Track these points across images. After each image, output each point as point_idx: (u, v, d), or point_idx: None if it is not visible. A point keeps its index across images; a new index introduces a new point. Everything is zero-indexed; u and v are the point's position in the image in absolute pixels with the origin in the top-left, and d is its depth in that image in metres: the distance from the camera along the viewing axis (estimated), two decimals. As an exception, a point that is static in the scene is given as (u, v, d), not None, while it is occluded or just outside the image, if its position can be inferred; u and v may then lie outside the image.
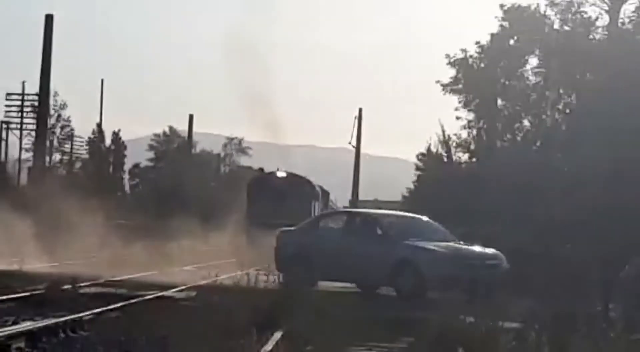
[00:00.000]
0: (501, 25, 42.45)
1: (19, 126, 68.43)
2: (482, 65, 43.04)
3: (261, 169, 66.30)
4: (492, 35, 42.64)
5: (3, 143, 67.60)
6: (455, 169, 44.82)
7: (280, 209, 47.16)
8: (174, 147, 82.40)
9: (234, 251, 42.32)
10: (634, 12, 39.86)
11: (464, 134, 44.35)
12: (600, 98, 35.68)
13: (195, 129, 76.30)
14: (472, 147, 44.53)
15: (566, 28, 40.95)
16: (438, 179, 45.30)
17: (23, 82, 68.01)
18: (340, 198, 77.76)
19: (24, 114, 67.88)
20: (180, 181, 58.66)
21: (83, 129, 72.67)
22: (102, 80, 70.19)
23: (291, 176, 54.30)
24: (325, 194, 62.99)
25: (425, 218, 28.53)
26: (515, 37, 42.52)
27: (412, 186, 54.57)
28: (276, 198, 49.98)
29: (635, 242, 24.90)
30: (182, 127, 79.90)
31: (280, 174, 55.00)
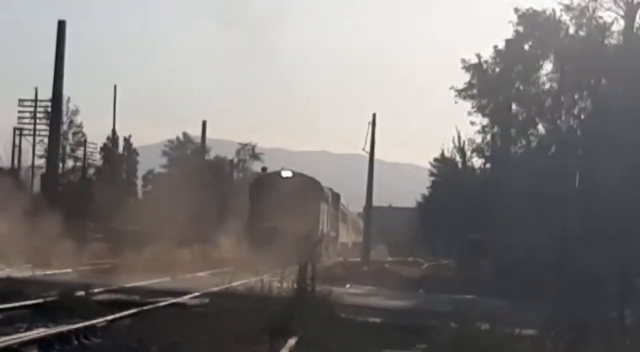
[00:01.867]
0: (516, 30, 42.43)
1: (31, 132, 68.56)
2: (497, 70, 43.05)
3: (264, 169, 64.42)
4: (507, 40, 42.66)
5: (16, 149, 67.71)
6: (469, 175, 44.83)
7: (285, 211, 46.09)
8: (187, 153, 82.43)
9: (237, 257, 42.20)
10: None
11: (479, 139, 44.34)
12: (616, 103, 35.64)
13: (208, 135, 76.70)
14: (487, 152, 44.52)
15: (581, 33, 40.89)
16: (453, 184, 45.33)
17: (36, 88, 68.31)
18: (354, 204, 77.81)
19: (37, 120, 68.06)
20: (194, 187, 58.68)
21: (95, 135, 72.80)
22: (115, 87, 70.00)
23: (297, 176, 52.51)
24: (336, 196, 62.06)
25: None
26: (530, 42, 42.48)
27: (426, 192, 54.55)
28: (280, 199, 48.20)
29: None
30: (195, 133, 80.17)
31: (285, 173, 52.84)
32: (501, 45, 42.90)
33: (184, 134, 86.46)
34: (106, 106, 70.73)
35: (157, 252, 40.50)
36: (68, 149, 68.39)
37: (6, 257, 36.11)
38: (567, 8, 40.95)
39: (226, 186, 66.94)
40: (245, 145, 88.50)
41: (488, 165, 44.94)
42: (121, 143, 72.45)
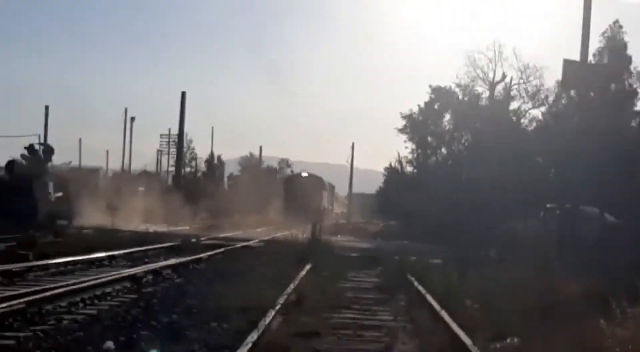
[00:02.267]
0: (430, 97, 42.59)
1: (167, 152, 68.82)
2: (420, 118, 43.07)
3: (292, 172, 64.91)
4: (425, 102, 42.82)
5: (158, 163, 68.03)
6: (405, 177, 44.88)
7: (302, 195, 45.52)
8: (251, 164, 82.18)
9: (277, 221, 42.15)
10: (503, 91, 39.96)
11: (410, 156, 44.55)
12: (484, 138, 35.73)
13: (264, 153, 76.88)
14: (415, 164, 44.66)
15: (465, 99, 40.99)
16: (396, 182, 45.44)
17: (169, 129, 68.46)
18: (342, 191, 77.22)
19: (170, 146, 68.20)
20: (255, 183, 58.71)
21: (201, 153, 72.32)
22: (212, 128, 70.16)
23: (310, 175, 52.12)
24: (332, 187, 61.51)
25: None
26: (438, 103, 42.59)
27: (381, 185, 54.55)
28: (300, 189, 47.40)
29: (502, 216, 24.81)
30: (255, 151, 79.94)
31: (304, 174, 52.89)
32: (422, 104, 43.06)
33: (250, 153, 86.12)
34: (206, 136, 70.75)
35: (235, 219, 40.67)
36: (186, 161, 68.34)
37: (152, 220, 36.29)
38: (458, 85, 41.09)
39: (272, 183, 66.67)
40: (283, 159, 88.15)
41: (415, 171, 44.97)
42: (216, 158, 72.26)
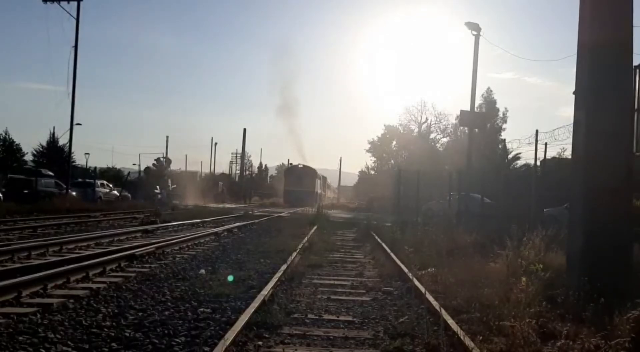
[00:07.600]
0: (384, 131, 42.57)
1: (234, 162, 68.52)
2: (379, 143, 43.04)
3: (290, 163, 49.98)
4: (382, 134, 42.73)
5: (230, 170, 67.67)
6: (371, 177, 44.70)
7: (299, 183, 37.58)
8: (282, 169, 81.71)
9: (281, 205, 41.09)
10: (426, 128, 39.86)
11: (372, 165, 44.46)
12: (415, 155, 35.46)
13: (293, 161, 76.05)
14: (375, 170, 44.48)
15: (405, 132, 40.87)
16: (366, 179, 45.25)
17: (236, 149, 68.09)
18: (334, 184, 76.70)
19: (237, 158, 67.79)
20: (282, 179, 57.75)
21: (256, 164, 72.27)
22: (261, 149, 70.00)
23: (305, 167, 40.65)
24: (324, 178, 51.66)
25: None
26: (388, 135, 42.46)
27: (356, 181, 54.21)
28: (297, 177, 38.21)
29: (425, 199, 24.38)
30: (285, 162, 79.57)
31: (300, 165, 41.21)
32: (380, 135, 43.00)
33: (282, 163, 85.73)
34: (257, 152, 70.31)
35: (274, 201, 40.35)
36: (246, 168, 67.91)
37: (227, 201, 36.13)
38: (400, 124, 41.00)
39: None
40: (299, 164, 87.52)
41: (375, 173, 44.77)
42: (263, 166, 71.97)
